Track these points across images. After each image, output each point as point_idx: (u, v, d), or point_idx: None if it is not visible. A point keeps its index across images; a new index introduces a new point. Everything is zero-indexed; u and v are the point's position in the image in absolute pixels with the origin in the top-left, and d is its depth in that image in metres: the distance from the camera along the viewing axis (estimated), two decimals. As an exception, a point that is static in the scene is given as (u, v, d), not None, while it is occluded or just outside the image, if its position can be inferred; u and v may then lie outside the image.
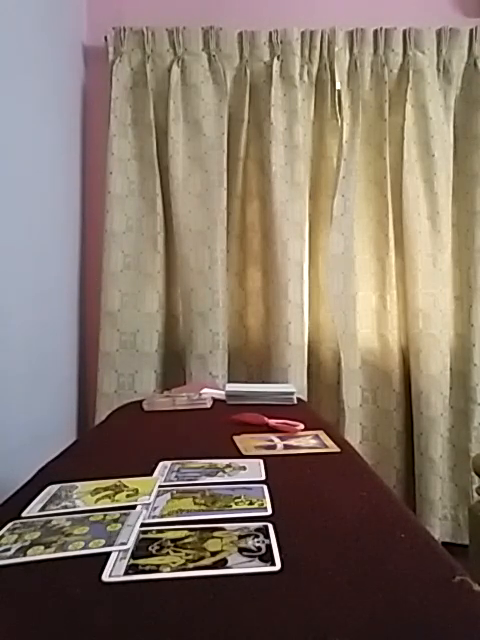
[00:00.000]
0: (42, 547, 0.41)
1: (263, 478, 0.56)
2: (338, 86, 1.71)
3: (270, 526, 0.43)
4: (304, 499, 0.51)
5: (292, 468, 0.61)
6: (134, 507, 0.48)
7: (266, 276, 1.72)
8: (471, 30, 1.72)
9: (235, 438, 0.74)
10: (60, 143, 1.57)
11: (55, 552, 0.40)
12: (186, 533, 0.42)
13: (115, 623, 0.32)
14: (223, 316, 1.68)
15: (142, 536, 0.42)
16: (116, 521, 0.45)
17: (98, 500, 0.50)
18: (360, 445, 1.71)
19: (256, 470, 0.59)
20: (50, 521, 0.46)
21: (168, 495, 0.51)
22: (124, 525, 0.44)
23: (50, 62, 1.48)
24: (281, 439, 0.74)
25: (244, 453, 0.67)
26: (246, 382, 1.67)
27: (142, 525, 0.44)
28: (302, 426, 0.80)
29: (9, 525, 0.46)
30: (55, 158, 1.52)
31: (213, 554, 0.39)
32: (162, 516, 0.46)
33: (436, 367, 1.67)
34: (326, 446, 0.71)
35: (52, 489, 0.55)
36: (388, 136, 1.71)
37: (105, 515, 0.47)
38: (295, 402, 1.06)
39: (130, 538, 0.41)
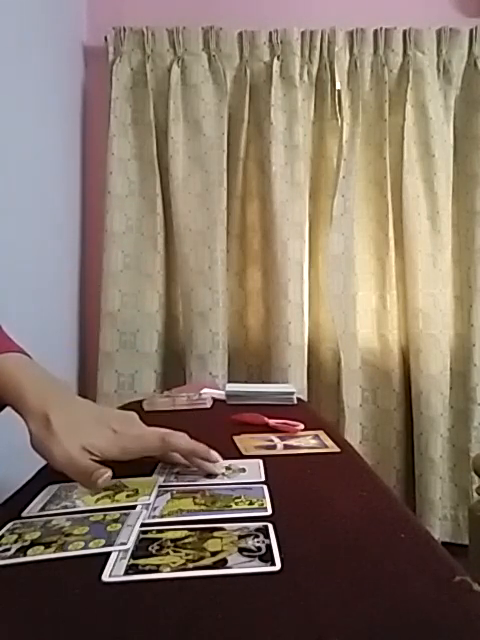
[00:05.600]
0: (42, 547, 0.41)
1: (263, 478, 0.56)
2: (338, 86, 1.71)
3: (270, 526, 0.43)
4: (304, 499, 0.51)
5: (292, 468, 0.60)
6: (134, 507, 0.48)
7: (266, 276, 1.72)
8: (471, 30, 1.72)
9: (235, 438, 0.74)
10: (60, 143, 1.57)
11: (55, 552, 0.40)
12: (186, 533, 0.42)
13: (115, 623, 0.32)
14: (223, 316, 1.68)
15: (142, 536, 0.42)
16: (116, 521, 0.45)
17: (98, 500, 0.50)
18: (360, 445, 1.71)
19: (256, 470, 0.59)
20: (50, 521, 0.46)
21: (168, 495, 0.51)
22: (124, 525, 0.44)
23: (50, 62, 1.48)
24: (281, 439, 0.74)
25: (244, 453, 0.67)
26: (246, 382, 1.67)
27: (142, 525, 0.44)
28: (302, 426, 0.80)
29: (9, 525, 0.46)
30: (55, 158, 1.52)
31: (213, 554, 0.39)
32: (162, 516, 0.46)
33: (436, 367, 1.67)
34: (326, 446, 0.71)
35: (52, 489, 0.55)
36: (388, 136, 1.71)
37: (105, 515, 0.47)
38: (295, 402, 1.06)
39: (130, 538, 0.41)
